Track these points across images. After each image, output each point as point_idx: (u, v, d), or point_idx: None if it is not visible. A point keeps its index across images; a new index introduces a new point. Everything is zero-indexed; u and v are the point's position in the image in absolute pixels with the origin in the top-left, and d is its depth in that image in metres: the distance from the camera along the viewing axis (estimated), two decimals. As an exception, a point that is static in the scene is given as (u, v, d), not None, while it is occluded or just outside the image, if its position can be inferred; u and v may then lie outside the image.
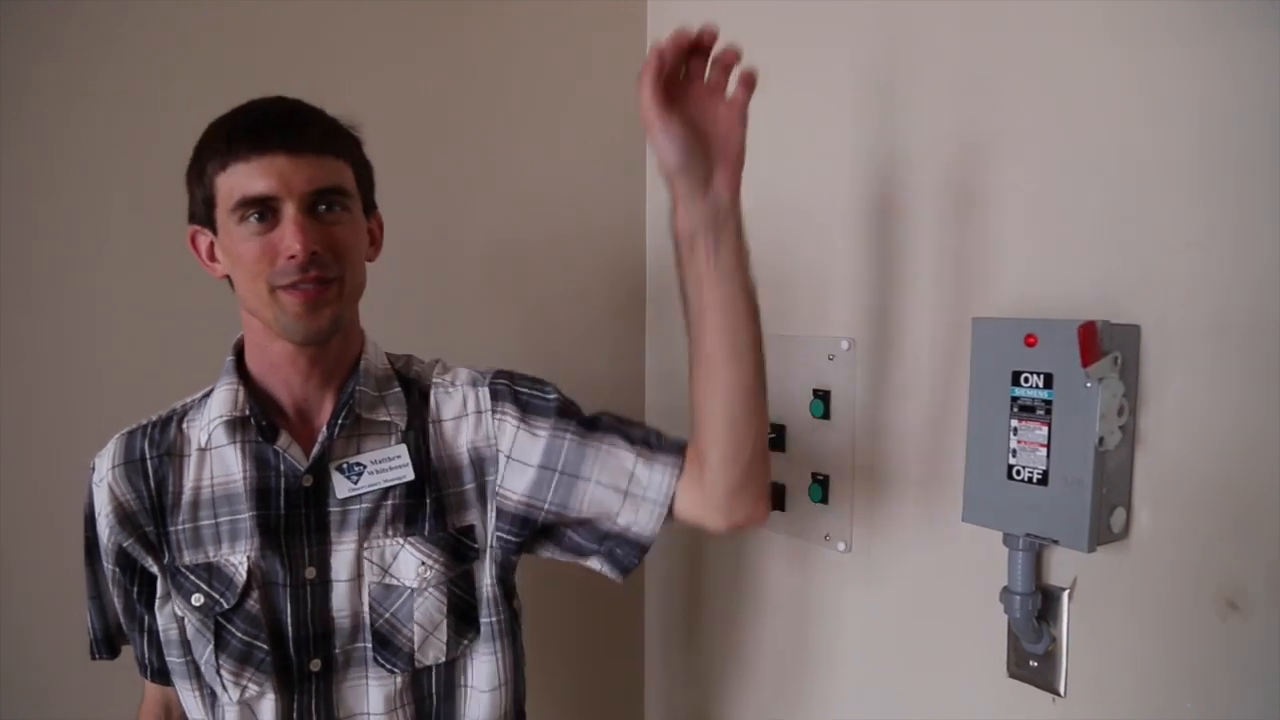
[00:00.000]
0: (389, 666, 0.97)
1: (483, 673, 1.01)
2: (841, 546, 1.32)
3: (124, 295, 1.24)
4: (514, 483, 1.00)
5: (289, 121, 0.90)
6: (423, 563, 0.97)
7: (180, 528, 0.95)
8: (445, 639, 0.98)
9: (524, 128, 1.56)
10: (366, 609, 0.96)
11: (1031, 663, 1.07)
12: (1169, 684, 0.97)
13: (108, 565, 0.99)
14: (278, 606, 0.94)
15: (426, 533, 0.98)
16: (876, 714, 1.29)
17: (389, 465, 0.97)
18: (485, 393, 1.02)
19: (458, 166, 1.50)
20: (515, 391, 1.03)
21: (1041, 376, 0.97)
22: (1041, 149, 1.05)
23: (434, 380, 1.04)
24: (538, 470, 0.99)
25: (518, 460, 0.99)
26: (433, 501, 0.99)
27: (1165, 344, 0.95)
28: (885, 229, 1.24)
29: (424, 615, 0.97)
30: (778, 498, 1.41)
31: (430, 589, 0.97)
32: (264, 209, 0.88)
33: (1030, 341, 0.97)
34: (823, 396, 1.33)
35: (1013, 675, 1.09)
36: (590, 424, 1.01)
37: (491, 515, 1.01)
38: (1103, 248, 0.99)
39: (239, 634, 0.93)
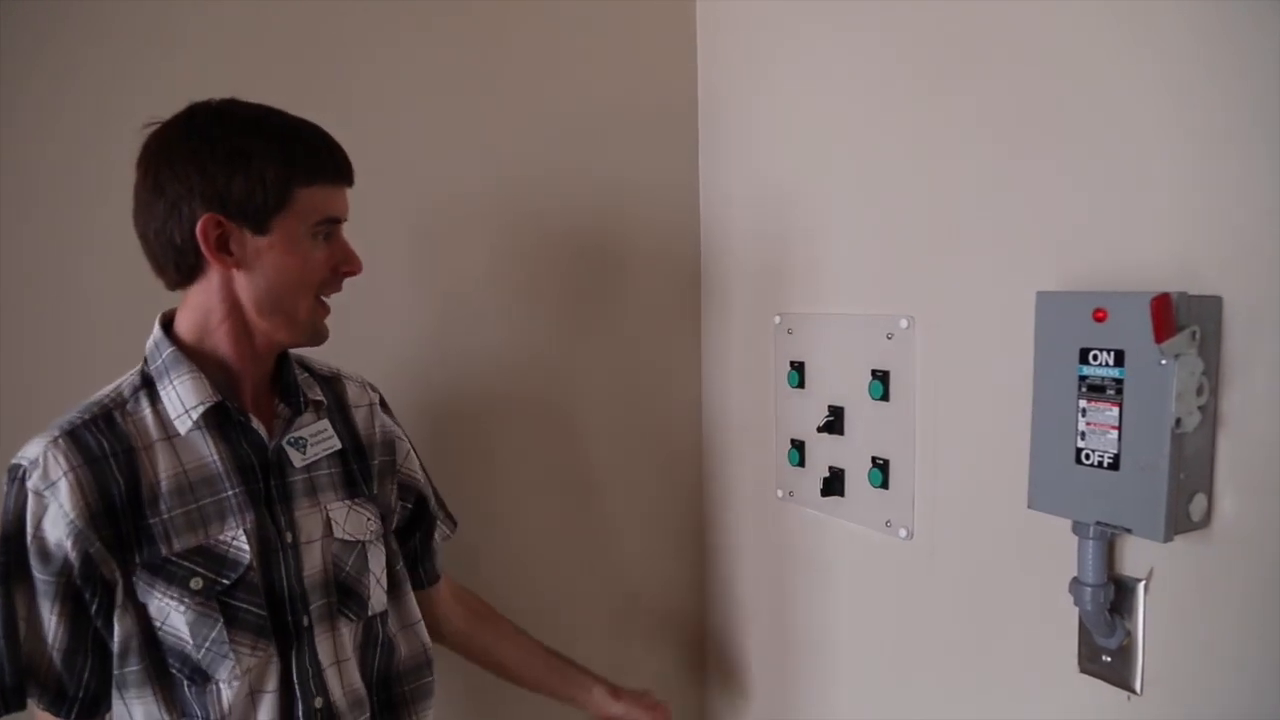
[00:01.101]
0: (350, 615, 1.08)
1: (406, 611, 1.17)
2: (903, 533, 1.27)
3: (118, 289, 1.24)
4: (414, 467, 1.22)
5: (347, 159, 1.03)
6: (368, 519, 1.11)
7: (166, 517, 0.96)
8: (385, 586, 1.13)
9: (573, 127, 1.55)
10: (331, 565, 1.06)
11: (1104, 658, 1.01)
12: (1255, 683, 0.89)
13: (51, 581, 0.92)
14: (271, 572, 1.01)
15: (365, 494, 1.12)
16: (940, 709, 1.24)
17: (322, 438, 1.09)
18: (376, 395, 1.21)
19: (506, 163, 1.50)
20: (388, 408, 1.23)
21: (1112, 354, 0.90)
22: (1109, 106, 0.97)
23: (340, 374, 1.19)
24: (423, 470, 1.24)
25: (417, 456, 1.23)
26: (360, 470, 1.13)
27: (1251, 317, 0.87)
28: (943, 200, 1.17)
29: (376, 564, 1.11)
30: (837, 482, 1.37)
31: (377, 541, 1.11)
32: (333, 231, 1.02)
33: (1099, 316, 0.91)
34: (882, 377, 1.27)
35: (1084, 671, 1.03)
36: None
37: (395, 487, 1.19)
38: (1179, 213, 0.92)
39: (245, 605, 0.98)
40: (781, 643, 1.54)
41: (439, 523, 1.27)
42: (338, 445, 1.10)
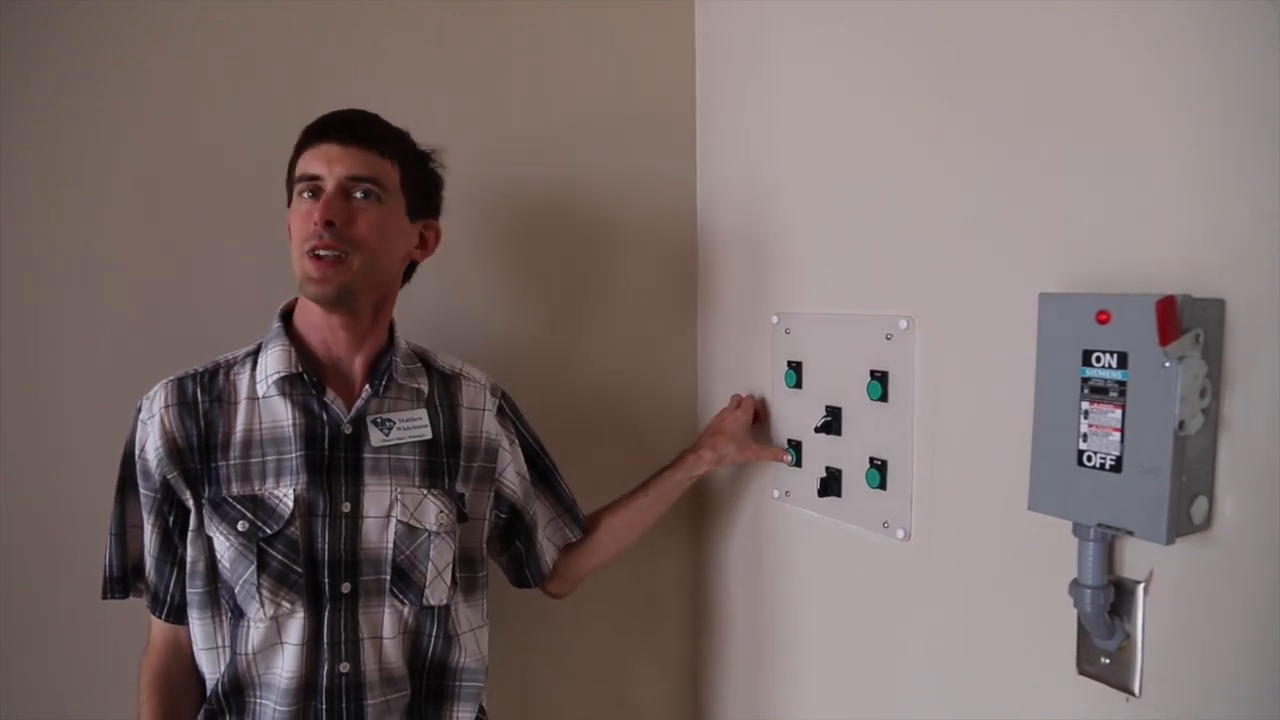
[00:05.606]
0: (402, 598, 1.13)
1: (466, 618, 1.20)
2: (900, 534, 1.26)
3: (124, 285, 1.27)
4: (512, 479, 1.27)
5: (347, 120, 1.11)
6: (441, 511, 1.15)
7: (231, 463, 1.09)
8: (448, 581, 1.16)
9: (571, 126, 1.55)
10: (390, 545, 1.12)
11: (1103, 660, 1.01)
12: (1255, 685, 0.90)
13: (150, 496, 1.09)
14: (315, 534, 1.09)
15: (445, 488, 1.17)
16: (937, 711, 1.23)
17: (413, 424, 1.16)
18: (496, 401, 1.26)
19: (505, 162, 1.50)
20: (517, 414, 1.31)
21: (1115, 356, 0.90)
22: (1112, 106, 0.97)
23: (461, 371, 1.25)
24: (524, 480, 1.29)
25: (516, 467, 1.27)
26: (449, 465, 1.19)
27: (1253, 320, 0.87)
28: (943, 200, 1.17)
29: (438, 555, 1.14)
30: (834, 483, 1.37)
31: (445, 534, 1.15)
32: (314, 187, 1.08)
33: (1102, 318, 0.91)
34: (880, 378, 1.27)
35: (1082, 673, 1.03)
36: (545, 474, 1.34)
37: (491, 495, 1.25)
38: (1183, 216, 0.92)
39: (279, 556, 1.07)
40: (775, 643, 1.54)
41: (562, 526, 1.35)
42: (427, 435, 1.16)
